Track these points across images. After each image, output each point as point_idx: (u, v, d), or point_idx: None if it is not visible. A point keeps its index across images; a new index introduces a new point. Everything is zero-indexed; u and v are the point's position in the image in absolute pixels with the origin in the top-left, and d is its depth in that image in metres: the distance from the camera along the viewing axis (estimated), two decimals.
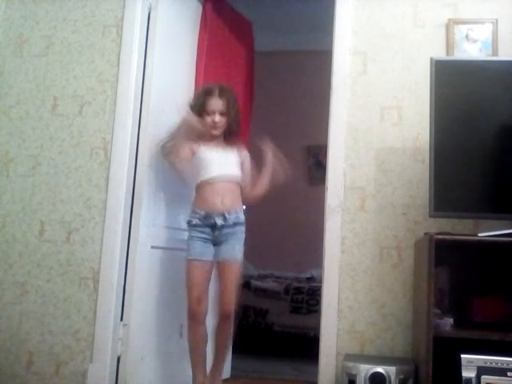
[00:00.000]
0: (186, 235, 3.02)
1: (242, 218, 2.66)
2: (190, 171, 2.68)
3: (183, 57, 3.13)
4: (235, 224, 2.61)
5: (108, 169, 2.81)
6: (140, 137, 2.83)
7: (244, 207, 2.73)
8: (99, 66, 2.93)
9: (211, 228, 2.60)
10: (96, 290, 2.73)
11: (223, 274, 2.58)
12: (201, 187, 2.65)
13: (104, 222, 2.77)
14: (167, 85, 2.96)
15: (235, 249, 2.60)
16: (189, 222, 2.66)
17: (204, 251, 2.60)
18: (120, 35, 2.91)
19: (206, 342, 2.65)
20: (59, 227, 2.83)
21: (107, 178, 2.81)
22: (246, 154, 2.77)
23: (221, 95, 2.69)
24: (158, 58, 2.89)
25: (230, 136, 2.76)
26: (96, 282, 2.74)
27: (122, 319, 2.71)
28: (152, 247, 2.80)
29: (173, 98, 3.02)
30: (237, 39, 3.52)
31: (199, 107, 2.69)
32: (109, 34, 2.94)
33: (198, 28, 3.21)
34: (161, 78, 2.90)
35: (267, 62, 4.57)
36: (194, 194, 2.72)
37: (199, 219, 2.61)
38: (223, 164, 2.66)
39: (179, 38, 3.08)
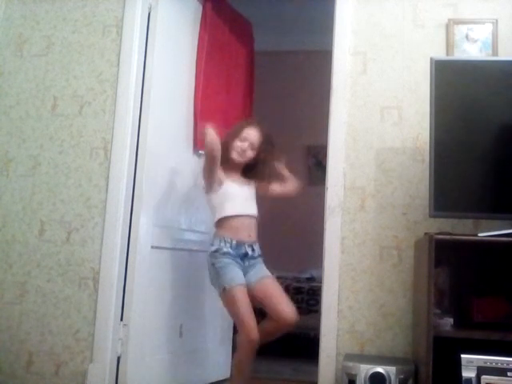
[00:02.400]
0: (186, 235, 3.03)
1: (259, 250, 2.70)
2: (214, 200, 2.68)
3: (183, 57, 3.13)
4: (259, 255, 2.68)
5: (108, 169, 2.81)
6: (140, 137, 2.83)
7: None
8: (99, 66, 2.93)
9: (241, 258, 2.60)
10: (96, 290, 2.73)
11: (267, 289, 2.58)
12: (226, 219, 2.63)
13: (104, 222, 2.77)
14: (167, 85, 2.96)
15: (263, 269, 2.65)
16: (218, 251, 2.58)
17: (240, 275, 2.56)
18: (120, 35, 2.91)
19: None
20: (59, 227, 2.83)
21: (107, 178, 2.81)
22: (268, 190, 2.79)
23: (259, 129, 2.72)
24: (158, 58, 2.89)
25: (250, 173, 2.76)
26: (96, 282, 2.74)
27: (122, 319, 2.71)
28: (152, 247, 2.80)
29: (173, 98, 3.03)
30: (237, 39, 3.52)
31: (235, 134, 2.72)
32: (109, 34, 2.94)
33: (198, 28, 3.22)
34: (161, 78, 2.90)
35: (267, 61, 4.57)
36: (213, 220, 2.71)
37: (231, 247, 2.58)
38: (245, 200, 2.69)
39: (179, 38, 3.08)
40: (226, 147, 2.66)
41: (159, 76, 2.89)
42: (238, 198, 2.67)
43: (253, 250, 2.64)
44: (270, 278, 2.62)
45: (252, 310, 2.49)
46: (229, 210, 2.63)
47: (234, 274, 2.53)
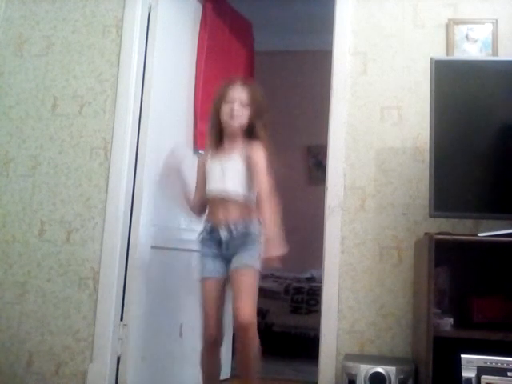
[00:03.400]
0: (186, 235, 3.02)
1: (254, 228, 2.30)
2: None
3: (183, 57, 3.13)
4: (244, 235, 2.29)
5: (108, 169, 2.81)
6: (140, 137, 2.83)
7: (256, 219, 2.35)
8: (99, 66, 2.93)
9: (218, 244, 2.32)
10: (96, 290, 2.73)
11: (234, 282, 2.24)
12: (208, 201, 2.42)
13: (104, 221, 2.77)
14: (167, 85, 2.96)
15: (244, 257, 2.25)
16: (198, 238, 2.40)
17: (215, 268, 2.31)
18: (120, 35, 2.91)
19: (220, 370, 2.43)
20: (59, 227, 2.83)
21: (107, 178, 2.81)
22: (255, 148, 2.33)
23: (244, 84, 2.39)
24: (158, 58, 2.89)
25: (251, 136, 2.38)
26: (96, 282, 2.74)
27: (122, 319, 2.71)
28: (152, 247, 2.80)
29: (173, 98, 3.03)
30: (237, 39, 3.52)
31: (220, 98, 2.39)
32: (109, 34, 2.94)
33: (198, 28, 3.22)
34: (161, 78, 2.90)
35: (267, 61, 4.57)
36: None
37: (206, 232, 2.35)
38: (222, 177, 2.35)
39: (179, 38, 3.08)
40: (216, 116, 2.39)
41: (159, 76, 2.89)
42: (215, 175, 2.37)
43: (230, 232, 2.28)
44: (242, 270, 2.23)
45: (220, 305, 2.30)
46: (207, 191, 2.39)
47: (204, 266, 2.32)
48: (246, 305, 2.18)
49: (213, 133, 2.43)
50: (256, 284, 2.25)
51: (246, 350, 2.21)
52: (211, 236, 2.34)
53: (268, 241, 2.18)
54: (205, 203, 2.46)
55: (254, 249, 2.26)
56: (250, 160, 2.32)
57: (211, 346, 2.31)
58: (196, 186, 2.51)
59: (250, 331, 2.17)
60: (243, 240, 2.28)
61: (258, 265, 2.24)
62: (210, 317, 2.29)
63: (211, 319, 2.28)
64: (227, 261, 2.31)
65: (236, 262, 2.26)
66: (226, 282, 2.32)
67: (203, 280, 2.33)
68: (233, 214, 2.31)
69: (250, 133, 2.39)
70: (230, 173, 2.34)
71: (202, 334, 2.32)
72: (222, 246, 2.32)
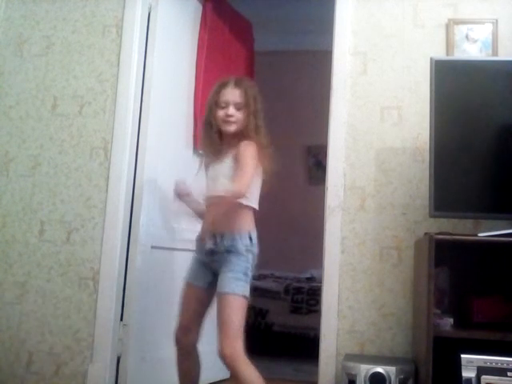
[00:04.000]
0: (185, 235, 3.02)
1: (243, 243, 2.14)
2: None
3: (183, 57, 3.13)
4: (229, 250, 2.13)
5: (108, 169, 2.81)
6: (140, 137, 2.83)
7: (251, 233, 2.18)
8: (99, 66, 2.93)
9: (205, 254, 2.21)
10: (96, 290, 2.73)
11: (217, 308, 2.13)
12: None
13: (104, 222, 2.77)
14: (167, 85, 2.96)
15: (227, 280, 2.10)
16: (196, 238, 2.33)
17: (198, 276, 2.23)
18: (120, 35, 2.91)
19: (195, 374, 2.30)
20: (59, 227, 2.83)
21: (107, 178, 2.81)
22: (243, 147, 2.16)
23: (237, 85, 2.24)
24: (158, 58, 2.89)
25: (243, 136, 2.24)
26: (96, 282, 2.74)
27: (122, 319, 2.71)
28: (152, 247, 2.80)
29: (173, 98, 3.03)
30: (237, 39, 3.52)
31: (213, 102, 2.25)
32: (109, 34, 2.94)
33: (198, 28, 3.22)
34: (161, 78, 2.90)
35: (267, 61, 4.57)
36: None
37: (197, 238, 2.28)
38: (213, 181, 2.25)
39: (179, 38, 3.08)
40: (211, 119, 2.25)
41: (159, 76, 2.89)
42: (208, 179, 2.28)
43: (215, 243, 2.16)
44: (225, 299, 2.09)
45: (198, 310, 2.24)
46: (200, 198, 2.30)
47: (190, 269, 2.26)
48: (225, 337, 2.06)
49: (207, 136, 2.29)
50: (239, 312, 2.09)
51: (235, 376, 2.07)
52: (199, 244, 2.25)
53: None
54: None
55: (239, 267, 2.11)
56: (236, 159, 2.17)
57: (179, 352, 2.24)
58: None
59: (229, 361, 2.04)
60: (228, 255, 2.13)
61: (241, 289, 2.09)
62: (183, 319, 2.24)
63: (187, 315, 2.23)
64: (214, 273, 2.20)
65: (220, 285, 2.12)
66: (208, 292, 2.21)
67: (186, 284, 2.26)
68: (221, 224, 2.16)
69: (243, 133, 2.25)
70: (221, 177, 2.20)
71: (174, 330, 2.25)
72: (207, 257, 2.21)
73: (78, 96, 2.93)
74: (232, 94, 2.22)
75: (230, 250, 2.13)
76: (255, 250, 2.18)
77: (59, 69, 2.97)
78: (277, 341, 4.11)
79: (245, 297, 2.10)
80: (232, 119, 2.21)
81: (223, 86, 2.26)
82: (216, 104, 2.24)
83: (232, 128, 2.22)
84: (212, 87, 2.33)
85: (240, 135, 2.23)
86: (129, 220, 2.76)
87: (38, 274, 2.82)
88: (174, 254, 2.93)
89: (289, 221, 5.24)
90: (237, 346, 2.05)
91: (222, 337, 2.06)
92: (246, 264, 2.13)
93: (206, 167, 2.32)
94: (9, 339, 2.79)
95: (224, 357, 2.04)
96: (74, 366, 2.71)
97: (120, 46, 2.90)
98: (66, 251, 2.81)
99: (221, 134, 2.28)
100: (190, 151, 3.15)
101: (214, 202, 2.18)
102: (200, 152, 3.11)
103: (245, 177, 2.09)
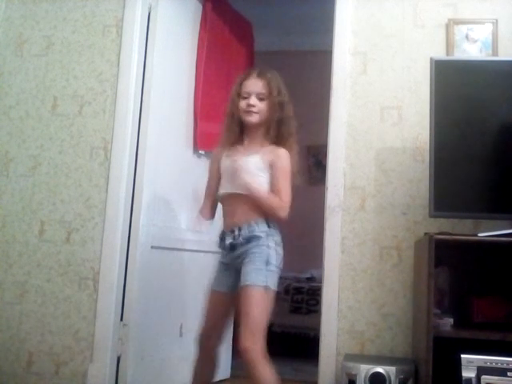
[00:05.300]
0: (185, 235, 3.03)
1: (260, 230, 2.10)
2: None
3: (183, 57, 3.13)
4: (249, 239, 2.09)
5: (108, 169, 2.81)
6: (140, 137, 2.83)
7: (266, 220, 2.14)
8: (99, 66, 2.93)
9: (227, 251, 2.16)
10: (96, 289, 2.73)
11: (241, 301, 2.05)
12: (221, 203, 2.25)
13: (104, 221, 2.77)
14: (167, 85, 2.96)
15: (249, 272, 2.04)
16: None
17: (221, 281, 2.19)
18: (120, 35, 2.91)
19: (211, 374, 2.28)
20: (59, 227, 2.83)
21: (107, 178, 2.81)
22: (279, 153, 2.14)
23: (260, 76, 2.18)
24: (158, 58, 2.89)
25: (273, 133, 2.17)
26: (96, 282, 2.74)
27: (122, 319, 2.71)
28: (152, 247, 2.80)
29: (173, 98, 3.03)
30: (237, 39, 3.52)
31: (236, 93, 2.19)
32: (109, 34, 2.94)
33: (198, 28, 3.22)
34: (161, 78, 2.90)
35: (267, 62, 4.56)
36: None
37: (219, 239, 2.20)
38: (232, 175, 2.14)
39: (179, 38, 3.08)
40: (234, 112, 2.20)
41: (159, 76, 2.89)
42: (226, 173, 2.18)
43: (234, 237, 2.12)
44: (246, 289, 2.04)
45: (223, 316, 2.21)
46: (218, 191, 2.22)
47: (214, 277, 2.22)
48: (245, 329, 1.99)
49: (230, 129, 2.22)
50: (260, 304, 2.02)
51: (251, 373, 2.01)
52: (221, 243, 2.19)
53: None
54: (215, 204, 2.29)
55: (260, 257, 2.06)
56: (273, 170, 2.13)
57: (200, 352, 2.21)
58: (208, 186, 2.30)
59: (248, 356, 1.98)
60: (248, 245, 2.09)
61: (262, 279, 2.03)
62: (208, 320, 2.21)
63: (209, 321, 2.21)
64: (237, 271, 2.12)
65: (243, 278, 2.06)
66: (233, 295, 2.15)
67: (210, 291, 2.22)
68: (238, 217, 2.12)
69: (274, 131, 2.18)
70: (247, 170, 2.11)
71: (197, 334, 2.23)
72: (229, 254, 2.16)
73: (77, 96, 2.93)
74: (255, 85, 2.16)
75: (249, 238, 2.09)
76: (277, 236, 2.15)
77: (59, 69, 2.97)
78: (277, 341, 4.10)
79: (266, 288, 2.02)
80: (254, 109, 2.15)
81: (246, 77, 2.21)
82: (238, 95, 2.18)
83: (254, 119, 2.16)
84: (236, 80, 2.26)
85: (263, 128, 2.18)
86: (129, 220, 2.76)
87: (37, 274, 2.82)
88: (174, 253, 2.93)
89: (289, 221, 5.24)
90: (257, 340, 1.99)
91: (243, 330, 1.99)
92: (268, 250, 2.08)
93: (222, 160, 2.22)
94: (9, 339, 2.79)
95: (244, 350, 1.98)
96: (74, 366, 2.71)
97: (120, 46, 2.90)
98: (66, 251, 2.81)
99: (242, 126, 2.22)
100: (190, 151, 3.15)
101: (247, 193, 2.09)
102: (200, 151, 3.13)
103: (287, 196, 2.15)
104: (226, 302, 2.19)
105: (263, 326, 2.02)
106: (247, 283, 2.03)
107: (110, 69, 2.91)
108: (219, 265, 2.22)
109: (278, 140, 2.18)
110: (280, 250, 2.16)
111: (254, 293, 2.02)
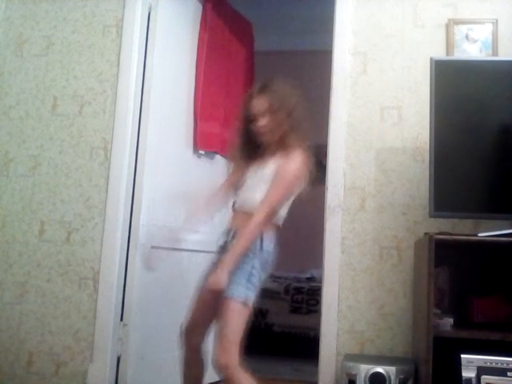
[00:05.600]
0: (186, 235, 3.02)
1: (251, 247, 2.06)
2: None
3: (183, 57, 3.13)
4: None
5: (108, 169, 2.81)
6: (140, 137, 2.83)
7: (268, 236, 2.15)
8: (99, 66, 2.93)
9: (217, 251, 2.20)
10: (96, 290, 2.73)
11: (220, 312, 2.05)
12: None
13: (104, 222, 2.77)
14: (167, 85, 2.96)
15: (233, 281, 2.01)
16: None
17: (208, 277, 2.14)
18: (120, 35, 2.91)
19: (199, 372, 2.23)
20: (59, 227, 2.83)
21: (107, 178, 2.81)
22: (286, 161, 2.14)
23: (261, 92, 2.18)
24: (158, 58, 2.89)
25: (286, 141, 2.17)
26: (96, 282, 2.74)
27: (122, 319, 2.71)
28: (152, 247, 2.79)
29: (173, 98, 3.03)
30: (237, 39, 3.52)
31: (245, 117, 2.22)
32: (109, 34, 2.94)
33: (198, 28, 3.22)
34: (161, 78, 2.90)
35: (267, 61, 4.57)
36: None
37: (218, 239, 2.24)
38: (245, 192, 2.19)
39: (179, 38, 3.08)
40: (244, 131, 2.23)
41: (159, 76, 2.89)
42: (242, 186, 2.22)
43: (227, 239, 2.16)
44: (225, 300, 2.02)
45: (203, 316, 2.19)
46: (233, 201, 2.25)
47: (203, 276, 2.20)
48: (219, 345, 2.00)
49: (244, 145, 2.25)
50: (235, 318, 2.01)
51: None
52: (217, 242, 2.23)
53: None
54: (218, 204, 2.33)
55: (242, 271, 2.04)
56: (277, 170, 2.14)
57: (183, 349, 2.19)
58: (225, 183, 2.35)
59: (224, 373, 1.97)
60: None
61: (241, 294, 2.02)
62: (194, 316, 2.21)
63: (194, 317, 2.20)
64: None
65: (226, 289, 2.03)
66: (220, 295, 2.09)
67: (199, 289, 2.21)
68: (236, 223, 2.16)
69: (286, 138, 2.18)
70: (262, 184, 2.14)
71: (180, 331, 2.22)
72: (219, 255, 2.17)
73: (77, 96, 2.93)
74: (258, 105, 2.17)
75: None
76: (265, 256, 2.12)
77: (59, 69, 2.97)
78: (277, 341, 4.11)
79: (244, 303, 2.02)
80: (265, 129, 2.17)
81: (249, 97, 2.22)
82: (247, 119, 2.20)
83: (268, 137, 2.18)
84: (241, 104, 2.28)
85: (280, 140, 2.18)
86: (129, 220, 2.76)
87: (37, 274, 2.82)
88: (174, 254, 2.93)
89: (288, 221, 5.23)
90: (231, 354, 1.97)
91: (217, 345, 2.01)
92: (251, 269, 2.06)
93: (243, 170, 2.25)
94: (9, 339, 2.79)
95: (219, 368, 1.99)
96: (74, 366, 2.71)
97: (120, 46, 2.90)
98: (65, 251, 2.81)
99: (256, 143, 2.23)
100: (190, 151, 3.15)
101: (246, 211, 2.12)
102: (200, 151, 3.12)
103: (269, 204, 2.11)
104: (210, 299, 2.14)
105: (237, 339, 2.01)
106: (225, 294, 2.01)
107: (110, 69, 2.91)
108: (211, 263, 2.21)
109: (290, 145, 2.19)
110: (264, 275, 2.13)
111: (231, 306, 2.02)
